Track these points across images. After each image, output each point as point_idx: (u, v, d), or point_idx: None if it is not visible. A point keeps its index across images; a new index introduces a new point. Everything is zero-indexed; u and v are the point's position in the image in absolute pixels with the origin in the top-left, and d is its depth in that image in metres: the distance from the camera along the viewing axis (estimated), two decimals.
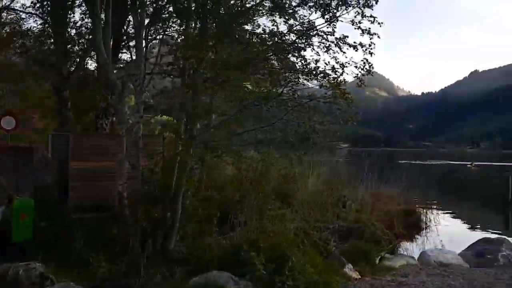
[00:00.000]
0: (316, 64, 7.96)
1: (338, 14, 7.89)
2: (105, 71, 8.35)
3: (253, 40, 8.27)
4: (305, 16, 8.37)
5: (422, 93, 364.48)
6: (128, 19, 12.21)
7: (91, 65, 15.41)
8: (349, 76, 8.01)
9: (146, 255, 7.83)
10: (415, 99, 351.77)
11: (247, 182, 11.22)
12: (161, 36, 9.10)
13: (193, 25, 8.50)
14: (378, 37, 7.56)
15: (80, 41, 13.71)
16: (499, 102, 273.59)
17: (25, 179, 9.88)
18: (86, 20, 12.31)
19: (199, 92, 8.25)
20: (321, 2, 7.78)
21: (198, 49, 7.94)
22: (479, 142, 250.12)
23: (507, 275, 8.21)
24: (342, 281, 7.19)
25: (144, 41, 8.10)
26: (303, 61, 8.10)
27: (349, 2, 7.65)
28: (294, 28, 8.36)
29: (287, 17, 8.31)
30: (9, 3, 15.85)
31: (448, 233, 14.38)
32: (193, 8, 8.43)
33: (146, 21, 8.32)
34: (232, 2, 8.92)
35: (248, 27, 8.80)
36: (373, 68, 7.76)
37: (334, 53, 8.06)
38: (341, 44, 7.97)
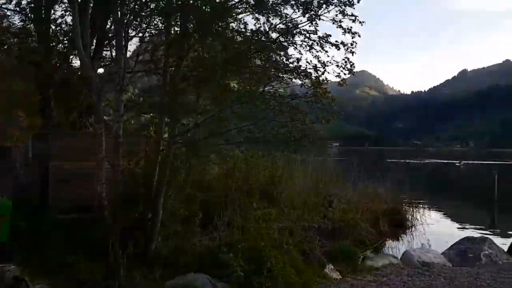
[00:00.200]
0: (298, 62, 7.93)
1: (320, 12, 7.85)
2: (85, 69, 8.21)
3: (236, 37, 8.20)
4: (287, 14, 8.33)
5: (412, 92, 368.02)
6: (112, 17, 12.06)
7: (76, 63, 15.20)
8: (331, 75, 7.99)
9: (127, 256, 7.72)
10: (405, 98, 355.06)
11: (231, 182, 11.16)
12: (141, 34, 8.94)
13: (173, 23, 8.40)
14: (359, 36, 7.54)
15: (63, 39, 13.49)
16: (488, 102, 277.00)
17: (5, 180, 9.71)
18: (66, 17, 12.12)
19: (180, 91, 8.16)
20: (303, 0, 7.71)
21: (179, 46, 7.85)
22: (468, 141, 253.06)
23: (488, 274, 8.23)
24: (322, 282, 7.16)
25: (124, 39, 7.96)
26: (285, 60, 8.04)
27: (331, 1, 7.60)
28: (278, 27, 8.30)
29: (269, 15, 8.23)
30: None
31: (434, 232, 14.44)
32: (174, 5, 8.33)
33: (128, 18, 8.18)
34: None
35: (233, 24, 8.75)
36: (354, 67, 7.75)
37: (317, 51, 8.04)
38: (323, 43, 7.95)
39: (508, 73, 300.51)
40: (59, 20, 12.31)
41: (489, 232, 14.91)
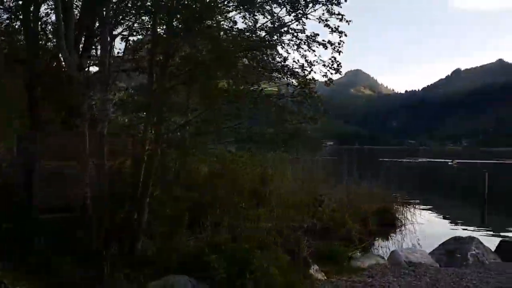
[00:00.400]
0: (284, 61, 7.90)
1: (307, 11, 7.82)
2: (69, 69, 8.11)
3: (222, 36, 8.14)
4: (275, 13, 8.28)
5: (406, 91, 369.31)
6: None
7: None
8: (318, 75, 7.96)
9: (112, 256, 7.65)
10: (399, 97, 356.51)
11: (220, 182, 11.09)
12: (127, 32, 8.86)
13: (159, 21, 8.32)
14: (345, 35, 7.50)
15: (52, 38, 13.35)
16: (481, 101, 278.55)
17: None
18: (51, 15, 11.98)
19: (167, 90, 8.09)
20: None
21: (165, 45, 7.77)
22: (461, 140, 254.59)
23: (475, 275, 8.22)
24: (306, 282, 7.12)
25: (108, 38, 7.88)
26: (271, 58, 8.00)
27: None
28: (265, 25, 8.26)
29: (256, 13, 8.18)
30: None
31: (424, 231, 14.45)
32: (162, 3, 8.25)
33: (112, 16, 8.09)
34: None
35: (223, 23, 8.68)
36: (341, 66, 7.73)
37: (305, 51, 8.01)
38: (310, 42, 7.92)
39: (501, 72, 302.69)
40: (45, 19, 12.10)
41: (478, 232, 14.96)
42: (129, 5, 8.12)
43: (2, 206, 8.27)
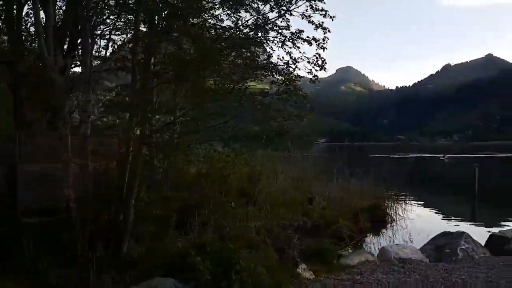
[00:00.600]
0: (269, 59, 7.81)
1: (291, 8, 7.73)
2: (48, 70, 7.94)
3: (205, 34, 8.01)
4: (259, 9, 8.18)
5: (397, 87, 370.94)
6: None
7: None
8: (303, 71, 7.87)
9: (98, 259, 7.52)
10: (390, 94, 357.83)
11: (207, 181, 10.98)
12: (109, 31, 8.71)
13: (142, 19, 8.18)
14: (329, 31, 7.42)
15: (35, 38, 13.14)
16: (471, 95, 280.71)
17: None
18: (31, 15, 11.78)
19: (150, 90, 7.96)
20: None
21: (147, 43, 7.64)
22: (452, 135, 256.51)
23: (464, 270, 8.18)
24: (293, 281, 7.04)
25: (90, 38, 7.74)
26: (256, 56, 7.91)
27: None
28: (250, 22, 8.16)
29: (240, 11, 8.07)
30: None
31: (416, 227, 14.40)
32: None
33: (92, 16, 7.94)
34: None
35: (210, 20, 8.56)
36: (326, 63, 7.64)
37: (290, 48, 7.92)
38: (295, 39, 7.83)
39: (490, 67, 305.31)
40: (27, 19, 11.91)
41: (469, 226, 14.99)
42: (110, 3, 7.96)
43: None
